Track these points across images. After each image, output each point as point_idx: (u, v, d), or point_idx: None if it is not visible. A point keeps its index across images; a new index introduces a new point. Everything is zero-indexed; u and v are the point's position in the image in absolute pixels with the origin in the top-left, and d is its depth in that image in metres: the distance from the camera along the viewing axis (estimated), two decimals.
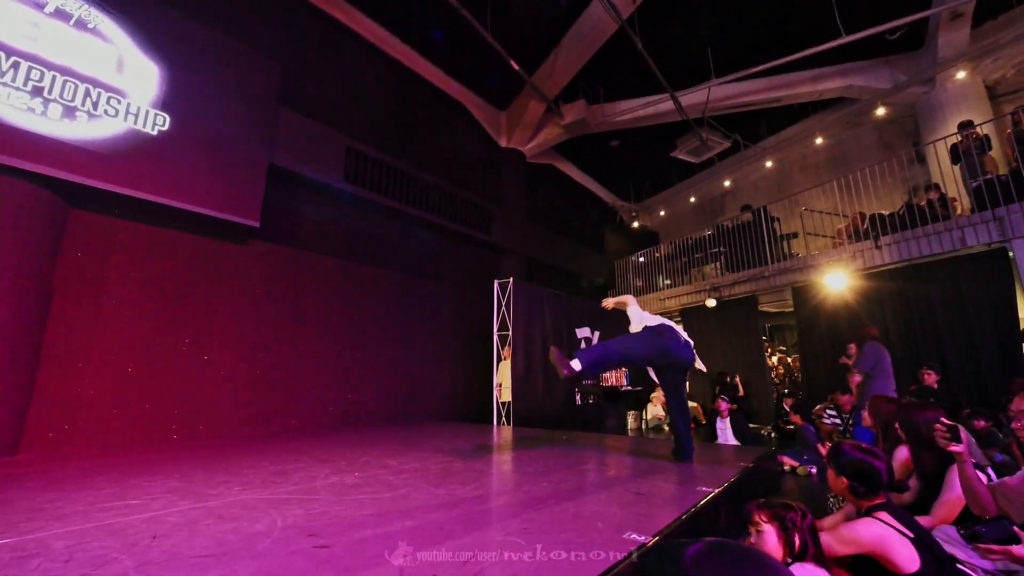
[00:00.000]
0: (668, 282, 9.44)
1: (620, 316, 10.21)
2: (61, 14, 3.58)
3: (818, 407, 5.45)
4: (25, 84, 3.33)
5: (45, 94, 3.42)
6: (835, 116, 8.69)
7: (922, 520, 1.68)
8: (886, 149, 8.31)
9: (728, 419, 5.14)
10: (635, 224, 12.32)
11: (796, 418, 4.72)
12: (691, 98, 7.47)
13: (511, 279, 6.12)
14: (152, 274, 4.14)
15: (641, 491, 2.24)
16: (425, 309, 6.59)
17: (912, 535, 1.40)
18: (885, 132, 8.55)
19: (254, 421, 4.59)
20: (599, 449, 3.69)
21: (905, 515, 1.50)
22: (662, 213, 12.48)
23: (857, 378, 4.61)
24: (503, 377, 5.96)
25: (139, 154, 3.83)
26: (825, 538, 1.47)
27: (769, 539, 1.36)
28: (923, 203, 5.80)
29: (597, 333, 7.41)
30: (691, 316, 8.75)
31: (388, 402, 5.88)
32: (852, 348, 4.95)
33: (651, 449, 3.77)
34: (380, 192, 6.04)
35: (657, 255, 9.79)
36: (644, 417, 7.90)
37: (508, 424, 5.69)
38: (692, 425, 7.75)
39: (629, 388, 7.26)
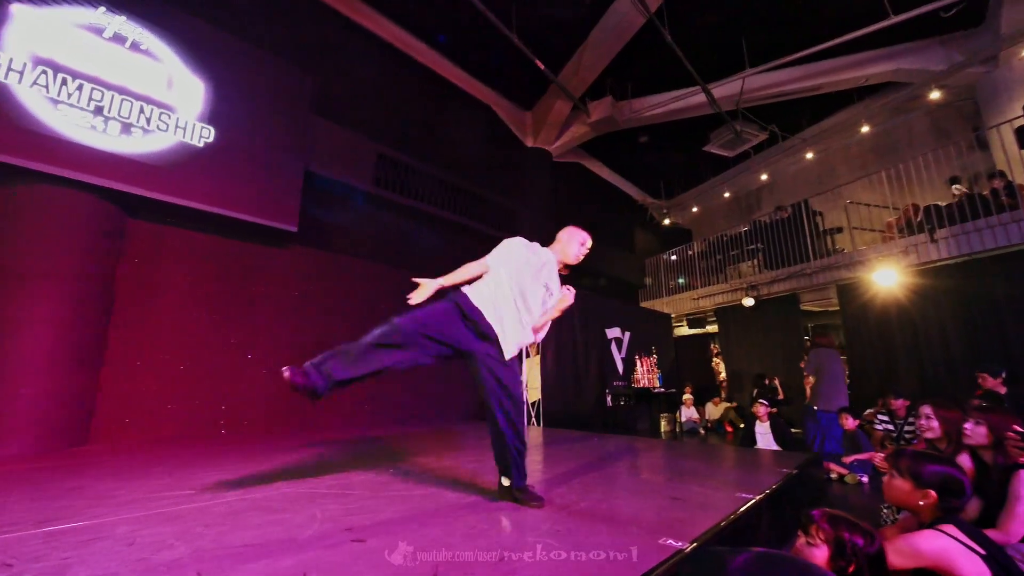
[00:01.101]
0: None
1: (652, 317, 9.87)
2: (118, 38, 3.86)
3: (868, 412, 5.14)
4: (88, 104, 3.62)
5: (105, 112, 3.70)
6: (882, 102, 8.14)
7: (990, 534, 1.55)
8: (941, 136, 7.73)
9: (768, 423, 4.91)
10: (666, 221, 12.01)
11: (847, 421, 4.45)
12: (724, 90, 7.20)
13: None
14: (200, 277, 4.39)
15: (677, 496, 2.17)
16: None
17: (984, 552, 1.30)
18: (939, 117, 7.94)
19: (294, 417, 4.77)
20: (631, 452, 3.61)
21: (974, 530, 1.39)
22: (694, 209, 12.09)
23: (809, 380, 5.11)
24: (530, 377, 5.94)
25: (188, 165, 4.08)
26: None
27: (817, 555, 1.24)
28: (986, 192, 5.36)
29: (628, 334, 7.27)
30: (727, 316, 8.44)
31: (423, 401, 5.98)
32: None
33: (685, 453, 3.66)
34: (407, 195, 6.16)
35: (690, 253, 9.49)
36: (678, 420, 7.68)
37: (538, 425, 5.67)
38: (729, 429, 7.48)
39: (662, 390, 7.07)
